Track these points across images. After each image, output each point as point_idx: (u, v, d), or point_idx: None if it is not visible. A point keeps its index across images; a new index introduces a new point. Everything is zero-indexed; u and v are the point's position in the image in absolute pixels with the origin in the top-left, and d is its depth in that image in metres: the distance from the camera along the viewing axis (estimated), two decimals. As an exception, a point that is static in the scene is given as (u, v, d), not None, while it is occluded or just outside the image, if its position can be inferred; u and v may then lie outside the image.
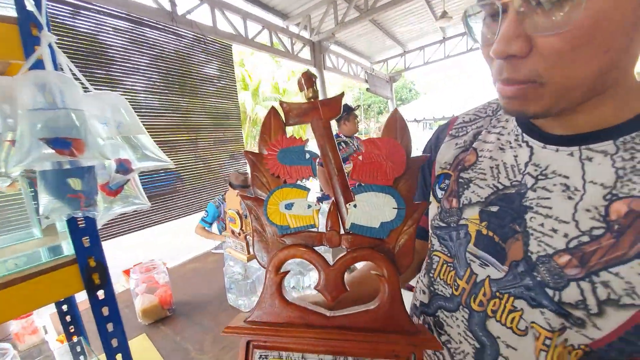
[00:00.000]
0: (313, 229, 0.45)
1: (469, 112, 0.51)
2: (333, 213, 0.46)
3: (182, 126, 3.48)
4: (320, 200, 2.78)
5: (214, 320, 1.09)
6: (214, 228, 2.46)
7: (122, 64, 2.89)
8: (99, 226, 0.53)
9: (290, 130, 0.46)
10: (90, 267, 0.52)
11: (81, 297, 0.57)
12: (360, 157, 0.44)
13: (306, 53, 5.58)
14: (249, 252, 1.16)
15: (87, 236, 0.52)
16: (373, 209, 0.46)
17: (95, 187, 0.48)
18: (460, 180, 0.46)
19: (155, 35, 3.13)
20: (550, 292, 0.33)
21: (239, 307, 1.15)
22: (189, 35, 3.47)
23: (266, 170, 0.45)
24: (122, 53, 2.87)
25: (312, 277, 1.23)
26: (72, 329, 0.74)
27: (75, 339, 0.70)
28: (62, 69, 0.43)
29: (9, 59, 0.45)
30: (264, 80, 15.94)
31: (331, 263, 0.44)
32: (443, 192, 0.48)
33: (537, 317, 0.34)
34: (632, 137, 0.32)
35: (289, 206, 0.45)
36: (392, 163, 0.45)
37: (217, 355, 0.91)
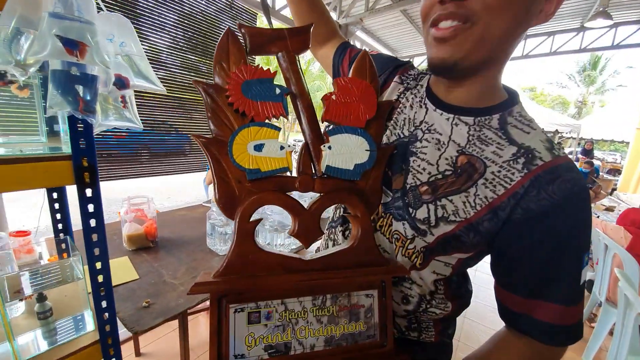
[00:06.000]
0: (286, 172, 0.42)
1: (413, 71, 0.59)
2: (305, 155, 0.43)
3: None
4: None
5: (190, 256, 1.20)
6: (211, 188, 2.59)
7: (149, 19, 2.95)
8: (95, 132, 0.62)
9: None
10: (83, 166, 0.61)
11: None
12: (333, 97, 0.42)
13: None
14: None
15: (83, 139, 0.61)
16: (347, 151, 0.43)
17: (95, 97, 0.56)
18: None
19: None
20: (411, 210, 0.47)
21: (216, 251, 1.25)
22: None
23: (227, 105, 0.39)
24: (150, 8, 2.93)
25: (284, 236, 1.32)
26: (62, 235, 0.84)
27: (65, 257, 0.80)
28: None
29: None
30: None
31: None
32: None
33: (400, 227, 0.48)
34: (484, 119, 0.46)
35: (258, 147, 0.40)
36: (364, 105, 0.44)
37: (187, 282, 1.01)
